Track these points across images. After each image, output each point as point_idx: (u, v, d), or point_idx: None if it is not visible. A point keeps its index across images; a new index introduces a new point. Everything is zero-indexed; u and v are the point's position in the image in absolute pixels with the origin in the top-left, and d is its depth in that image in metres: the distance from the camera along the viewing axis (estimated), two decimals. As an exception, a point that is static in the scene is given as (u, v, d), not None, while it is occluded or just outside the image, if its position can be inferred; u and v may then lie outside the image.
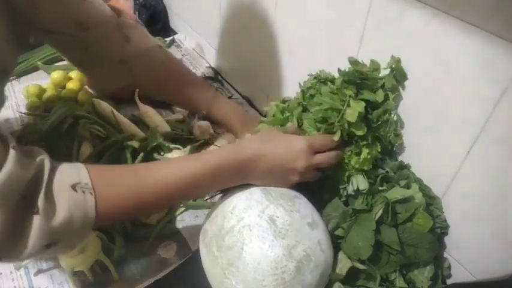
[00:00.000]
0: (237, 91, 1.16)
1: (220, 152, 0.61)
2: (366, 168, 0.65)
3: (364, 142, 0.64)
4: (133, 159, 0.84)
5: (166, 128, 0.94)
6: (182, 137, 0.95)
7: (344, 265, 0.62)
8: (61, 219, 0.48)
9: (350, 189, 0.66)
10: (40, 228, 0.46)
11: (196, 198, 0.78)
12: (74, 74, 1.09)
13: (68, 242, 0.51)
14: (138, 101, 1.00)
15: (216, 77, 1.22)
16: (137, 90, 1.00)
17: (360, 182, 0.65)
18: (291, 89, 0.88)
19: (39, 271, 0.71)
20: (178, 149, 0.89)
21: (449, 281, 0.69)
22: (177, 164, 0.58)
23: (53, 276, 0.71)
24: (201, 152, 0.71)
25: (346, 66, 0.76)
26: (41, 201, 0.47)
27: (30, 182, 0.47)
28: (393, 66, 0.65)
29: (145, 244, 0.75)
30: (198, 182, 0.57)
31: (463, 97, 0.58)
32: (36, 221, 0.46)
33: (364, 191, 0.65)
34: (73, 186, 0.50)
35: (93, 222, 0.51)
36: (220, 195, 0.67)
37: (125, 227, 0.76)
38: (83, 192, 0.50)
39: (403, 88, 0.67)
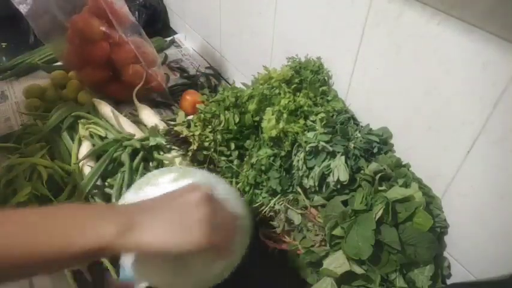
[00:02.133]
0: (237, 91, 1.17)
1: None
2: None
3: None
4: (133, 159, 0.84)
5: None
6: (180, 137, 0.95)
7: (341, 265, 0.62)
8: None
9: (331, 180, 0.68)
10: None
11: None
12: (74, 74, 1.09)
13: None
14: (135, 101, 1.00)
15: (216, 76, 1.22)
16: (136, 88, 1.00)
17: (340, 173, 0.66)
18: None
19: (39, 271, 0.72)
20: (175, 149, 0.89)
21: (449, 281, 0.69)
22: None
23: (53, 276, 0.71)
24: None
25: (346, 65, 0.77)
26: None
27: None
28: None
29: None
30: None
31: (463, 97, 0.58)
32: None
33: (345, 182, 0.66)
34: None
35: None
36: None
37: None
38: None
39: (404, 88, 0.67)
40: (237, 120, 0.81)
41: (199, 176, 0.62)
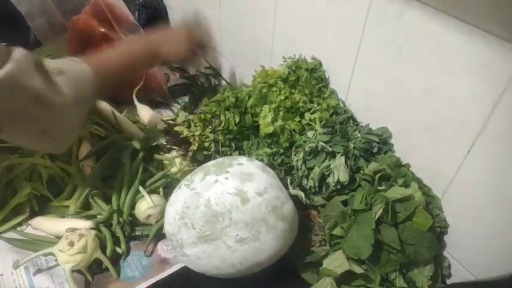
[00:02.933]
0: (236, 91, 1.16)
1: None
2: None
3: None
4: (133, 158, 0.84)
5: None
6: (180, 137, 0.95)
7: (340, 265, 0.62)
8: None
9: (331, 181, 0.68)
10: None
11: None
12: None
13: (76, 74, 0.67)
14: (135, 100, 1.00)
15: (216, 76, 1.22)
16: (136, 88, 1.00)
17: (340, 174, 0.66)
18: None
19: (39, 270, 0.72)
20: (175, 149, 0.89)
21: (449, 281, 0.69)
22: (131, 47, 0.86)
23: (54, 276, 0.71)
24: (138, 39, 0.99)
25: (346, 65, 0.76)
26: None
27: None
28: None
29: (144, 244, 0.76)
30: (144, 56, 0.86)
31: (463, 97, 0.58)
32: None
33: (345, 183, 0.66)
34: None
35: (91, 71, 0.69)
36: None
37: (124, 226, 0.76)
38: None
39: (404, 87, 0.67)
40: (237, 120, 0.81)
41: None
